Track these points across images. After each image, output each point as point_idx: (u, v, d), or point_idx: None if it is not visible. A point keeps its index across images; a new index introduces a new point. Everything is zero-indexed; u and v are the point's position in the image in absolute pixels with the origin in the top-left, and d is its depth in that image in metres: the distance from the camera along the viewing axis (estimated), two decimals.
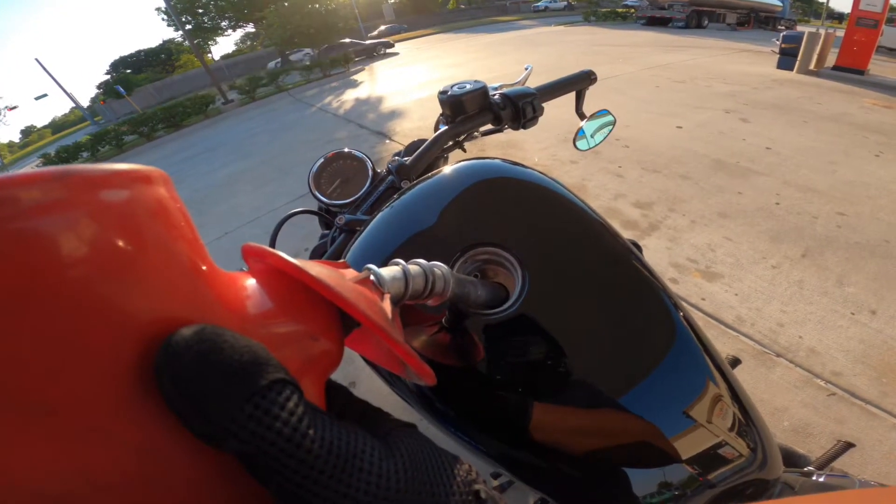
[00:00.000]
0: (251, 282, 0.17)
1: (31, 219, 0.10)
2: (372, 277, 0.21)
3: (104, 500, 0.11)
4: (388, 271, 0.23)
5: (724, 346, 1.71)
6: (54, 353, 0.10)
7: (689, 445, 0.37)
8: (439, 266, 0.26)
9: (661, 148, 3.64)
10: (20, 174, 0.11)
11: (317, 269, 0.18)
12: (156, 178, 0.14)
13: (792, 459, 0.81)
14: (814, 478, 0.62)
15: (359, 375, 1.66)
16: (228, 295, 0.15)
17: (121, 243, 0.12)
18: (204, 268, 0.14)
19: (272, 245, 0.65)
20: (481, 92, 0.67)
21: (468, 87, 0.66)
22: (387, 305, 0.20)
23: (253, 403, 0.12)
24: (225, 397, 0.12)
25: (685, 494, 0.37)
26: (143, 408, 0.12)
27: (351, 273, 0.21)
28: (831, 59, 6.31)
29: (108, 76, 41.33)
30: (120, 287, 0.11)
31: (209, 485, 0.13)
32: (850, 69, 6.05)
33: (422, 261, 0.25)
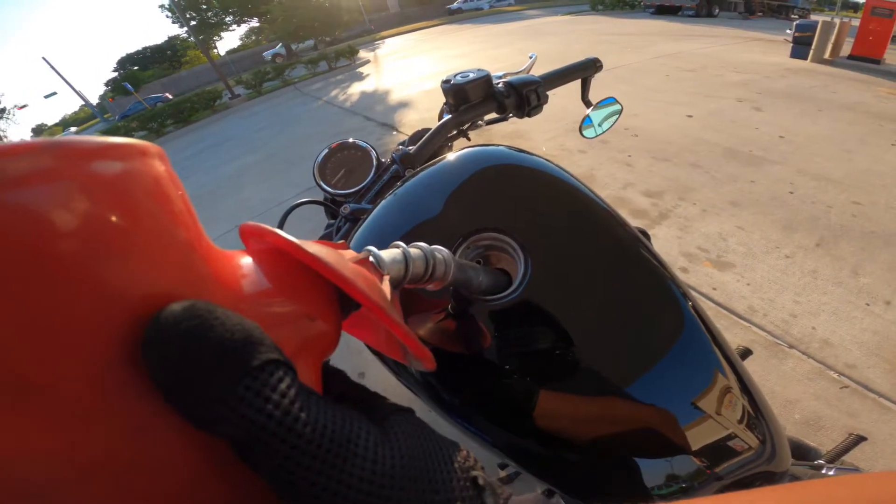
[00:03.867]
0: (247, 260, 0.17)
1: (18, 189, 0.10)
2: (371, 259, 0.21)
3: (91, 489, 0.11)
4: (388, 254, 0.22)
5: (735, 336, 1.69)
6: (38, 329, 0.10)
7: (697, 437, 0.36)
8: (440, 250, 0.26)
9: (672, 137, 3.58)
10: (7, 144, 0.10)
11: (315, 247, 0.17)
12: (151, 153, 0.13)
13: (802, 452, 0.80)
14: (823, 471, 0.61)
15: (368, 367, 1.67)
16: (223, 272, 0.15)
17: (112, 217, 0.11)
18: (199, 245, 0.14)
19: None
20: (485, 80, 0.66)
21: (471, 75, 0.66)
22: (386, 287, 0.20)
23: (244, 385, 0.12)
24: (215, 377, 0.11)
25: (693, 486, 0.37)
26: (133, 388, 0.11)
27: (350, 254, 0.21)
28: (846, 49, 6.13)
29: (116, 73, 41.61)
30: (109, 261, 0.11)
31: (201, 470, 0.13)
32: (865, 58, 5.88)
33: (423, 244, 0.25)
